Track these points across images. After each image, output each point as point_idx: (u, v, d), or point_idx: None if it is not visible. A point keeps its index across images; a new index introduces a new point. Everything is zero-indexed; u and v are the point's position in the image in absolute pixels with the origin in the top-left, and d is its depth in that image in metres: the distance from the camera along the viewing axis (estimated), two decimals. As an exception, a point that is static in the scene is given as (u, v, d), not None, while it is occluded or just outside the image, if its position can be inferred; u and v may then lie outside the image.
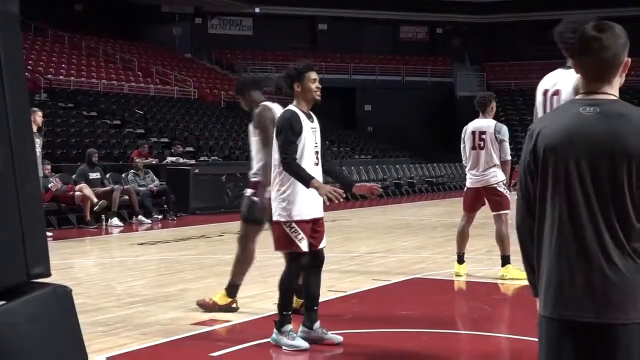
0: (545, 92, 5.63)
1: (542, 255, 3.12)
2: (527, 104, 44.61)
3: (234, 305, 8.16)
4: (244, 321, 7.76)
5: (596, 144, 3.00)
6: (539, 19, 46.83)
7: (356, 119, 44.57)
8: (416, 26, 50.67)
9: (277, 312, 6.73)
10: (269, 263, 11.73)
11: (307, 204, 6.56)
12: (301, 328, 6.74)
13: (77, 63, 34.51)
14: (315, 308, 6.78)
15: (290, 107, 6.71)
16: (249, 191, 8.17)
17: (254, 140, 8.02)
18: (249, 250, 8.25)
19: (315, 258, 6.75)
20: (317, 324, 6.72)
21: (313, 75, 6.72)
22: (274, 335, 6.64)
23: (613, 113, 3.04)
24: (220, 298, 8.17)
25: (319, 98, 6.71)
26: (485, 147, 10.08)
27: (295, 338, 6.56)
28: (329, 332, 6.73)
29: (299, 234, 6.53)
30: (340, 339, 6.73)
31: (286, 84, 6.72)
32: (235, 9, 45.29)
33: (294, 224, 6.53)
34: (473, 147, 10.15)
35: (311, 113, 6.77)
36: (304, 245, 6.56)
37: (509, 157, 10.18)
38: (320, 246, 6.76)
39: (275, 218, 6.65)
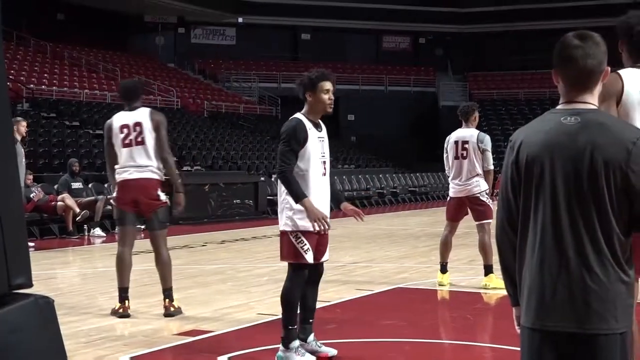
0: None
1: (524, 266, 3.13)
2: (510, 114, 44.83)
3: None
4: (227, 331, 7.74)
5: (577, 154, 3.01)
6: (521, 29, 47.11)
7: (339, 128, 44.66)
8: (399, 36, 50.81)
9: (282, 327, 6.47)
10: (253, 273, 11.72)
11: None
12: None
13: (60, 73, 34.41)
14: (311, 321, 6.67)
15: (298, 115, 6.52)
16: None
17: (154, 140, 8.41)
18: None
19: (315, 271, 6.60)
20: (312, 337, 6.60)
21: (327, 85, 6.46)
22: (280, 353, 6.41)
23: (593, 123, 3.05)
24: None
25: (330, 110, 6.51)
26: (468, 156, 10.10)
27: (304, 354, 6.36)
28: (323, 346, 6.65)
29: (305, 244, 6.38)
30: (334, 352, 6.63)
31: (299, 92, 6.51)
32: (218, 18, 45.31)
33: (300, 234, 6.38)
34: (456, 157, 10.17)
35: (320, 122, 6.60)
36: (309, 257, 6.40)
37: (492, 167, 10.20)
38: (323, 259, 6.63)
39: (281, 228, 6.49)
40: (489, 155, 10.20)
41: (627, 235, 3.02)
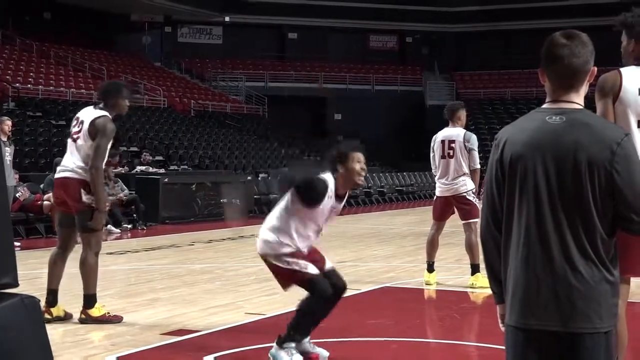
0: None
1: (509, 264, 3.14)
2: (496, 113, 44.90)
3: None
4: (214, 331, 7.72)
5: (562, 153, 3.03)
6: (508, 29, 47.20)
7: (326, 128, 44.62)
8: (385, 35, 50.83)
9: (287, 329, 6.38)
10: (240, 272, 11.71)
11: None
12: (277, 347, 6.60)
13: (46, 72, 34.29)
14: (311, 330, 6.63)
15: (329, 177, 6.28)
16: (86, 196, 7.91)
17: (89, 145, 7.90)
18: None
19: (332, 285, 6.39)
20: (307, 338, 6.56)
21: (358, 156, 6.31)
22: (273, 350, 6.35)
23: (578, 122, 3.06)
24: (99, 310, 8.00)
25: (361, 183, 6.40)
26: (455, 155, 10.11)
27: (293, 355, 6.30)
28: (316, 347, 6.60)
29: (298, 261, 6.26)
30: (326, 353, 6.57)
31: (329, 167, 6.30)
32: (204, 17, 45.24)
33: (285, 258, 6.27)
34: (442, 156, 10.19)
35: (345, 195, 6.44)
36: (312, 269, 6.28)
37: (478, 166, 10.21)
38: (327, 268, 6.54)
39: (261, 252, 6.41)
40: (476, 154, 10.22)
41: (611, 234, 3.04)
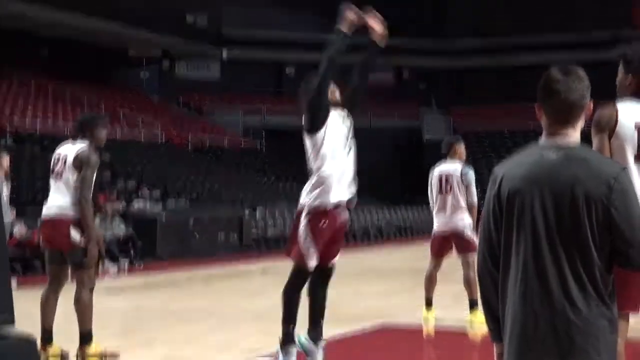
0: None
1: (507, 300, 3.12)
2: (494, 148, 44.96)
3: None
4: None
5: (559, 188, 3.03)
6: (505, 64, 47.39)
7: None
8: (382, 70, 51.02)
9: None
10: (237, 309, 11.65)
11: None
12: (306, 335, 6.80)
13: (43, 107, 34.35)
14: (321, 321, 6.79)
15: None
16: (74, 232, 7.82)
17: (75, 178, 7.87)
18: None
19: (323, 273, 6.79)
20: (323, 342, 6.71)
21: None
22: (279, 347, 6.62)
23: (575, 157, 3.07)
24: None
25: None
26: (452, 190, 10.09)
27: (287, 353, 6.52)
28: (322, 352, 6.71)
29: (311, 248, 6.53)
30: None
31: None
32: (202, 52, 45.42)
33: (309, 236, 6.51)
34: (440, 191, 10.16)
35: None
36: (311, 262, 6.57)
37: (476, 201, 10.18)
38: (331, 264, 6.76)
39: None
40: (473, 189, 10.19)
41: (609, 270, 3.03)
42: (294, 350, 6.48)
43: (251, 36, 45.22)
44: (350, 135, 6.79)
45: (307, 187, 6.68)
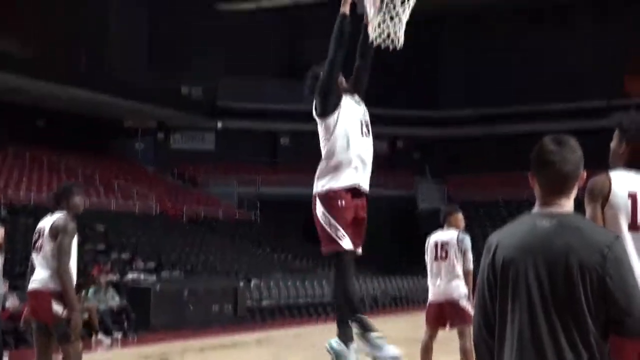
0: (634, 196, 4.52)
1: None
2: (489, 216, 44.91)
3: None
4: None
5: (553, 257, 3.02)
6: (500, 133, 47.65)
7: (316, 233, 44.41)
8: (376, 139, 50.92)
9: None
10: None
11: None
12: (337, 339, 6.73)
13: (38, 178, 34.37)
14: (362, 315, 6.63)
15: None
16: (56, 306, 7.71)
17: (52, 247, 7.78)
18: None
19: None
20: (376, 334, 6.59)
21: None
22: (334, 343, 6.60)
23: (568, 226, 3.07)
24: None
25: None
26: (448, 258, 10.06)
27: (341, 344, 6.46)
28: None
29: (339, 230, 6.37)
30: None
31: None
32: (197, 124, 45.67)
33: (331, 221, 6.38)
34: (435, 258, 10.13)
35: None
36: (345, 243, 6.40)
37: (472, 267, 10.12)
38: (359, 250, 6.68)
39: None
40: (469, 255, 10.14)
41: (605, 337, 3.02)
42: (352, 347, 6.42)
43: (245, 107, 45.52)
44: (366, 120, 6.77)
45: (318, 172, 6.61)
